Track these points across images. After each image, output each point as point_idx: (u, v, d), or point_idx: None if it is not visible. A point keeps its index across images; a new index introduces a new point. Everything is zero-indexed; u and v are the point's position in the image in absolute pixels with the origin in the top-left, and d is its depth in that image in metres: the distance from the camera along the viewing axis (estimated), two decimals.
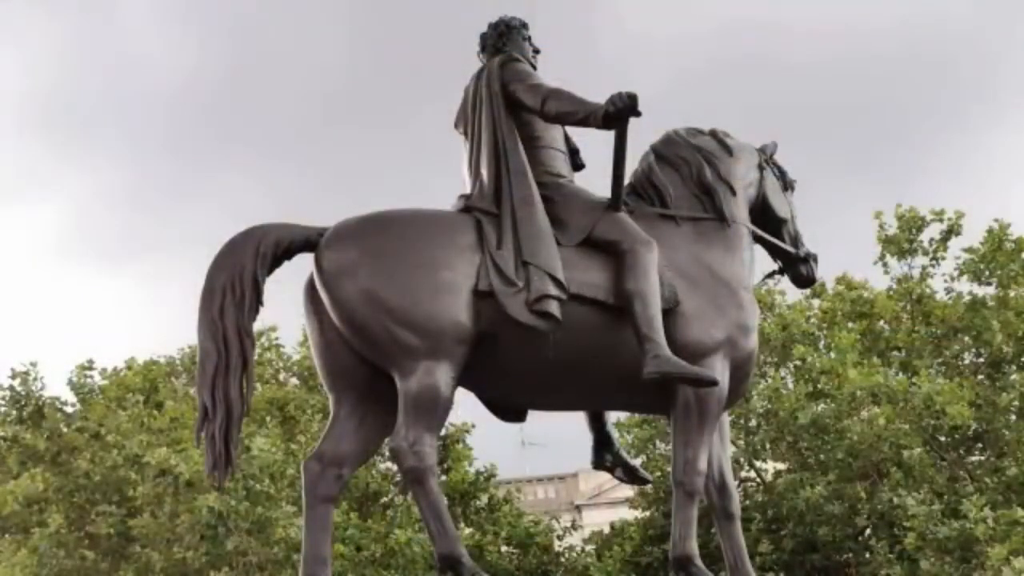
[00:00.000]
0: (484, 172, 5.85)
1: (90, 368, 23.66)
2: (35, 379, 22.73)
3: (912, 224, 22.05)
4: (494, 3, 6.84)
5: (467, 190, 5.98)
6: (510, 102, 5.94)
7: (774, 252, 6.65)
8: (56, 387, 31.80)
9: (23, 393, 22.62)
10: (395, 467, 9.88)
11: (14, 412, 22.60)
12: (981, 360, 22.27)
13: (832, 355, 20.99)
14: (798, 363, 21.59)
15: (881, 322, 23.14)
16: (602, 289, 5.58)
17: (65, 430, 22.11)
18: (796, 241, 6.64)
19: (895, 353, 22.66)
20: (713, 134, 6.44)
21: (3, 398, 22.72)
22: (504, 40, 6.32)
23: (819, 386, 21.04)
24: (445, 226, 5.62)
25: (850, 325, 22.17)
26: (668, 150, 6.31)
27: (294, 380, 24.23)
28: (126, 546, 20.83)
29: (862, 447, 19.96)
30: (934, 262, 22.38)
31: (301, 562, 5.40)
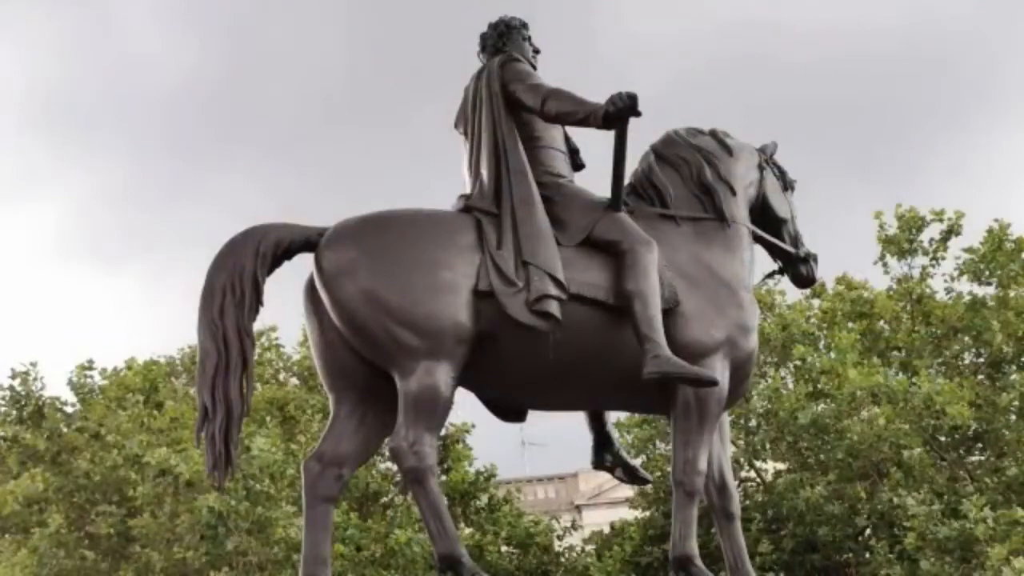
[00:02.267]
0: (484, 172, 5.85)
1: (90, 368, 23.67)
2: (35, 379, 22.78)
3: (912, 224, 21.98)
4: (494, 3, 6.84)
5: (467, 190, 5.98)
6: (510, 102, 5.94)
7: (774, 252, 6.65)
8: (56, 387, 31.84)
9: (23, 393, 22.65)
10: (395, 467, 9.87)
11: (14, 412, 22.64)
12: (981, 360, 22.20)
13: (832, 355, 20.88)
14: (798, 363, 21.49)
15: (881, 322, 23.02)
16: (602, 289, 5.58)
17: (65, 430, 22.14)
18: (796, 241, 6.64)
19: (895, 353, 22.57)
20: (713, 134, 6.44)
21: (3, 398, 22.76)
22: (504, 40, 6.32)
23: (819, 386, 20.94)
24: (445, 226, 5.61)
25: (850, 325, 22.06)
26: (668, 150, 6.32)
27: (294, 380, 24.24)
28: (126, 546, 20.84)
29: (862, 447, 19.87)
30: (934, 262, 22.29)
31: (301, 562, 5.39)
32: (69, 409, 23.00)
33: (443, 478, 21.27)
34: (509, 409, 5.99)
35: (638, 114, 5.65)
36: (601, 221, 5.78)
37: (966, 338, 22.08)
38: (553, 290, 5.42)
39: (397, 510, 21.19)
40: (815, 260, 6.65)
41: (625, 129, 5.73)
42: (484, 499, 22.85)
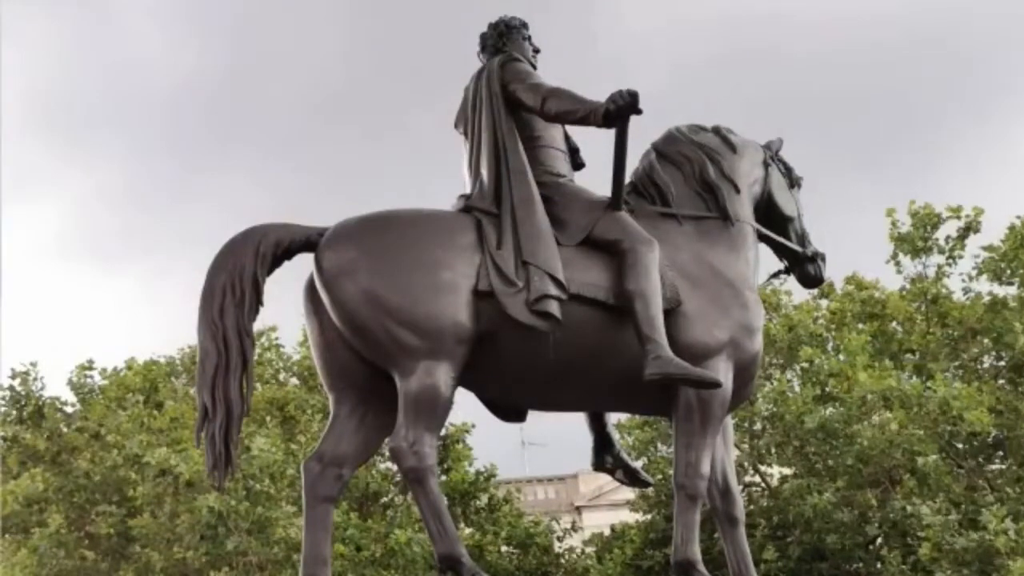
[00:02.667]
0: (484, 172, 5.83)
1: (90, 368, 23.68)
2: (35, 379, 22.80)
3: (927, 221, 21.00)
4: (494, 3, 6.83)
5: (467, 190, 5.97)
6: (510, 102, 5.93)
7: (780, 251, 6.57)
8: (56, 387, 31.90)
9: (23, 393, 22.67)
10: (395, 467, 9.85)
11: (14, 412, 22.65)
12: (1002, 364, 21.24)
13: (841, 357, 20.17)
14: (805, 365, 20.82)
15: (893, 323, 22.17)
16: (602, 289, 5.54)
17: (65, 430, 22.18)
18: (803, 239, 6.56)
19: (908, 356, 21.74)
20: (716, 131, 6.39)
21: (3, 398, 22.78)
22: (504, 40, 6.31)
23: (827, 389, 20.27)
24: (445, 226, 5.60)
25: (860, 326, 21.38)
26: (670, 148, 6.27)
27: (294, 380, 24.22)
28: (126, 546, 20.86)
29: (873, 453, 19.03)
30: (950, 261, 21.26)
31: (301, 562, 5.39)
32: (69, 409, 23.03)
33: (443, 478, 21.24)
34: (509, 409, 5.97)
35: (639, 112, 5.61)
36: (601, 220, 5.74)
37: (985, 340, 21.13)
38: (553, 290, 5.39)
39: (397, 510, 21.18)
40: (823, 259, 6.56)
41: (626, 127, 5.67)
42: (484, 499, 22.84)
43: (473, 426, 22.69)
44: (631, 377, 5.39)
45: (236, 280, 5.49)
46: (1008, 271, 20.87)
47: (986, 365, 21.78)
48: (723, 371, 5.63)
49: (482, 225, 5.61)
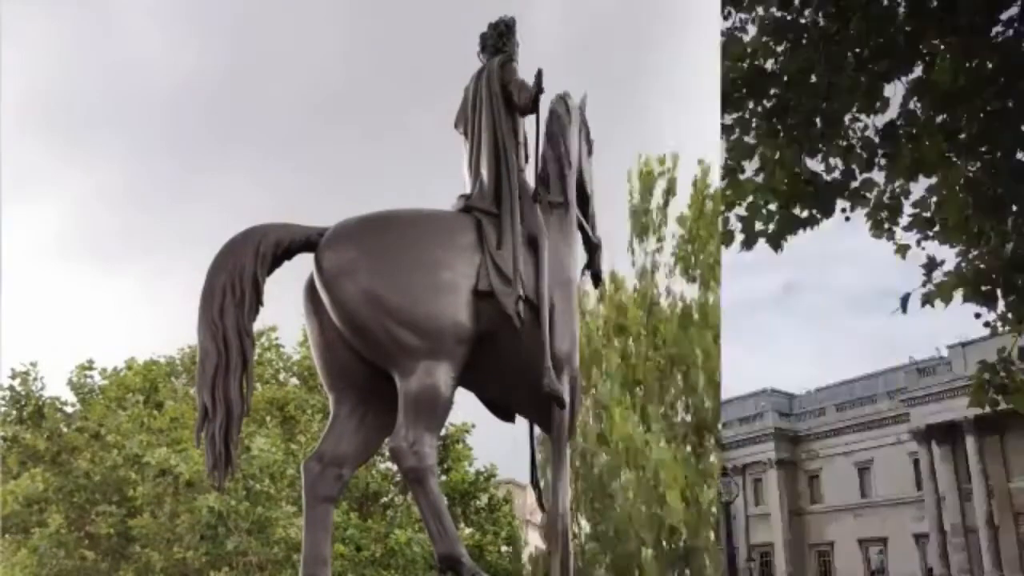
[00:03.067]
0: (484, 172, 5.86)
1: (90, 368, 23.74)
2: (35, 379, 22.85)
3: (647, 184, 14.81)
4: (494, 3, 6.84)
5: (467, 190, 5.99)
6: (509, 102, 5.97)
7: (584, 240, 6.25)
8: (56, 387, 31.89)
9: (23, 393, 22.72)
10: (395, 467, 9.82)
11: (14, 412, 22.69)
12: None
13: (607, 386, 14.80)
14: (594, 391, 15.44)
15: (630, 341, 15.70)
16: (532, 289, 5.57)
17: (65, 430, 22.22)
18: (593, 223, 6.26)
19: (640, 391, 15.21)
20: (562, 97, 6.30)
21: (3, 398, 22.82)
22: (504, 40, 6.35)
23: (602, 429, 14.62)
24: (445, 226, 5.62)
25: (616, 344, 15.60)
26: (551, 127, 6.22)
27: (294, 380, 24.26)
28: (126, 546, 20.88)
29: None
30: (660, 244, 15.01)
31: (301, 562, 5.39)
32: (69, 409, 23.09)
33: (443, 478, 21.25)
34: (508, 409, 5.97)
35: (541, 91, 5.64)
36: (528, 216, 5.77)
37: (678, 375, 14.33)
38: (521, 290, 5.46)
39: (397, 510, 21.20)
40: (599, 249, 6.23)
41: (538, 111, 5.72)
42: (484, 499, 22.86)
43: (473, 426, 22.76)
44: (536, 385, 5.38)
45: (236, 280, 5.49)
46: (693, 259, 14.23)
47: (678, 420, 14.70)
48: (568, 390, 5.52)
49: (482, 225, 5.63)
